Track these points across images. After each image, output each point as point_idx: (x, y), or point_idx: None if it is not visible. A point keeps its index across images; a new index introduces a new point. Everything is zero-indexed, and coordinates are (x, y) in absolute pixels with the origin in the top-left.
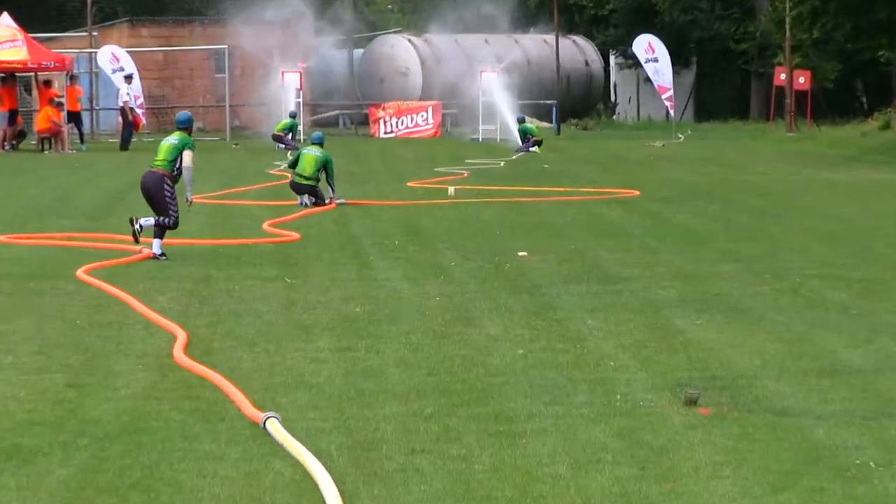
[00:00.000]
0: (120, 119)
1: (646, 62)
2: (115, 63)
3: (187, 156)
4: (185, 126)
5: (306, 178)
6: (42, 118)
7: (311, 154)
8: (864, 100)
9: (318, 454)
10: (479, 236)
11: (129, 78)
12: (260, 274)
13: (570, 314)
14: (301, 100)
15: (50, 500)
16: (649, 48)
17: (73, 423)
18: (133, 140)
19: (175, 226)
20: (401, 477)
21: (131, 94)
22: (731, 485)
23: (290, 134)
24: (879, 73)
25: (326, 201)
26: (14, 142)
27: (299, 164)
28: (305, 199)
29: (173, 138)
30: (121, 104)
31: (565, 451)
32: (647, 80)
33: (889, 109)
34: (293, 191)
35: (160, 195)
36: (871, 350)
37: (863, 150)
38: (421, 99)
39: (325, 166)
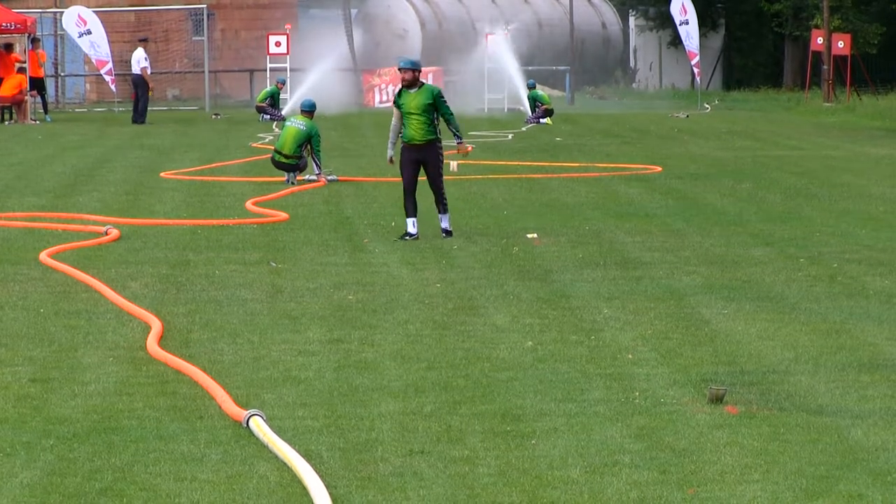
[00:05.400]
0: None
1: (680, 24)
2: (82, 25)
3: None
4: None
5: (286, 157)
6: (11, 85)
7: (293, 127)
8: None
9: (306, 456)
10: (484, 216)
11: (144, 41)
12: (243, 258)
13: (585, 302)
14: (288, 65)
15: None
16: (682, 10)
17: (38, 421)
18: (120, 110)
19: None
20: (398, 481)
21: (148, 60)
22: (761, 490)
23: (272, 102)
24: None
25: (316, 172)
26: None
27: (280, 138)
28: (292, 175)
29: (421, 94)
30: (138, 71)
31: (578, 454)
32: (671, 44)
33: None
34: (275, 168)
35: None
36: None
37: None
38: None
39: (308, 141)
